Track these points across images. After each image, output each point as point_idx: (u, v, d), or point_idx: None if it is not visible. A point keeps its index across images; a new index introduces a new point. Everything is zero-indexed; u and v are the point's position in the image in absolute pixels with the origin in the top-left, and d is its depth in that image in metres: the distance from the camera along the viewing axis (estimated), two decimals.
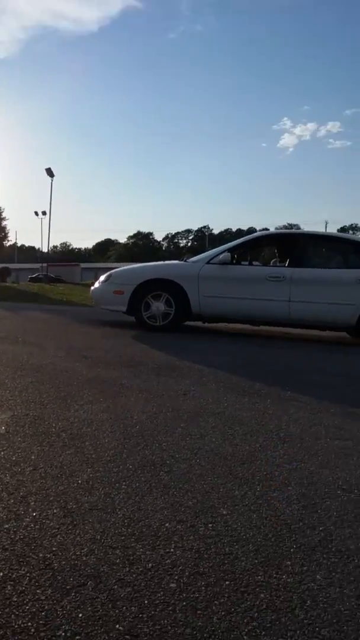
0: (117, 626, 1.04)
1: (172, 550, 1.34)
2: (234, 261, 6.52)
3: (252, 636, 1.04)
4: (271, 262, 7.20)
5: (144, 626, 1.05)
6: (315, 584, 1.23)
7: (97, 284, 6.96)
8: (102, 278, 6.90)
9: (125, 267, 7.30)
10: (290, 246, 6.60)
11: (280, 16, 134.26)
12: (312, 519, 1.56)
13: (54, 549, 1.30)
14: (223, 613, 1.10)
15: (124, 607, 1.10)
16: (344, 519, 1.58)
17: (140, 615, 1.08)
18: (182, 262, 6.94)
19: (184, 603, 1.13)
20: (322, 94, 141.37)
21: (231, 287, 6.23)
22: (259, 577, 1.25)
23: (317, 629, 1.07)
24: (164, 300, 6.27)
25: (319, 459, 2.10)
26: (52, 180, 32.59)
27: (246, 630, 1.05)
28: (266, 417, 2.68)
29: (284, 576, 1.26)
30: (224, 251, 6.46)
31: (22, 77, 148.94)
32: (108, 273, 6.90)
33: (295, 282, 6.05)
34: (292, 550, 1.38)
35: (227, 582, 1.21)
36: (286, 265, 6.40)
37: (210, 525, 1.49)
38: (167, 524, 1.47)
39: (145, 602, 1.12)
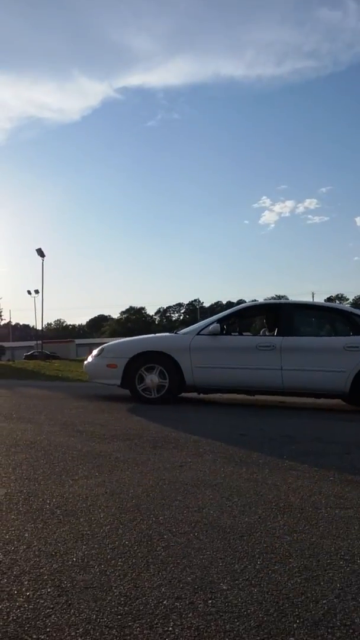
0: None
1: (170, 628, 1.28)
2: (224, 332, 6.59)
3: None
4: (260, 332, 7.28)
5: None
6: None
7: (90, 359, 6.95)
8: (95, 352, 6.91)
9: (118, 341, 7.35)
10: (278, 315, 6.71)
11: (251, 103, 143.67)
12: (315, 592, 1.50)
13: (48, 629, 1.24)
14: None
15: None
16: (348, 591, 1.52)
17: None
18: (173, 334, 7.01)
19: None
20: (297, 173, 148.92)
21: (222, 357, 6.27)
22: None
23: None
24: (158, 373, 6.27)
25: (320, 529, 2.04)
26: (43, 260, 33.37)
27: None
28: (265, 487, 2.62)
29: None
30: (213, 322, 6.54)
31: (8, 164, 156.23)
32: (101, 347, 6.92)
33: (285, 350, 6.10)
34: (295, 625, 1.32)
35: None
36: (275, 334, 6.48)
37: (210, 601, 1.43)
38: (165, 601, 1.41)
39: None
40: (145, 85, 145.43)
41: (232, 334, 6.84)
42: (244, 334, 7.34)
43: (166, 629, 1.27)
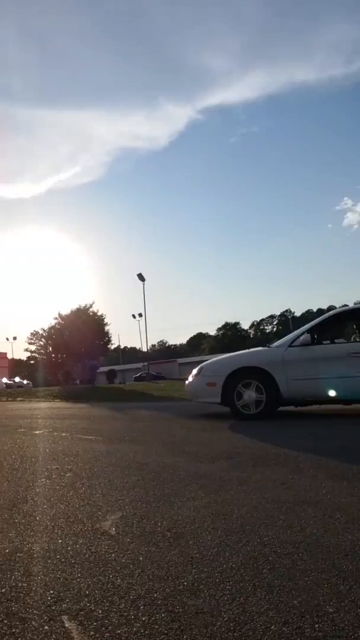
0: None
1: None
2: (315, 341, 6.35)
3: None
4: (352, 338, 6.95)
5: None
6: None
7: (190, 378, 7.01)
8: (194, 372, 6.96)
9: (215, 359, 7.35)
10: None
11: (324, 105, 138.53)
12: None
13: None
14: None
15: None
16: None
17: None
18: (265, 348, 6.88)
19: None
20: None
21: (316, 368, 6.04)
22: None
23: None
24: (255, 388, 6.18)
25: None
26: (144, 284, 34.56)
27: None
28: None
29: None
30: (303, 333, 6.34)
31: (109, 195, 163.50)
32: (199, 366, 6.96)
33: None
34: None
35: None
36: None
37: (317, 625, 1.37)
38: (272, 627, 1.38)
39: None
40: (224, 102, 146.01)
41: (324, 342, 6.58)
42: (336, 341, 7.03)
43: None
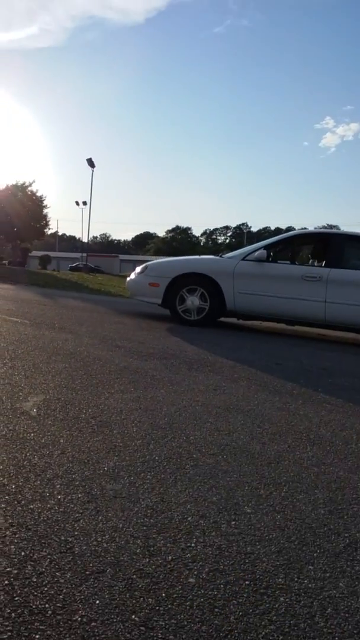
0: (134, 616, 1.03)
1: (193, 545, 1.32)
2: (270, 259, 6.44)
3: None
4: (309, 262, 7.09)
5: (160, 619, 1.03)
6: (337, 591, 1.19)
7: (133, 275, 7.00)
8: (138, 269, 6.94)
9: (162, 260, 7.32)
10: (328, 246, 6.47)
11: (326, 13, 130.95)
12: (338, 525, 1.51)
13: (76, 533, 1.30)
14: (240, 613, 1.07)
15: (141, 598, 1.08)
16: None
17: (157, 608, 1.06)
18: (218, 257, 6.92)
19: (202, 599, 1.11)
20: None
21: (266, 285, 6.17)
22: (280, 579, 1.21)
23: (336, 638, 1.03)
24: (199, 295, 6.26)
25: (348, 463, 2.04)
26: (93, 171, 33.12)
27: (263, 633, 1.02)
28: (296, 417, 2.63)
29: (305, 581, 1.22)
30: (260, 248, 6.39)
31: (68, 66, 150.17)
32: (144, 265, 6.93)
33: (332, 282, 5.93)
34: (315, 555, 1.34)
35: (246, 582, 1.18)
36: (323, 265, 6.30)
37: (233, 522, 1.46)
38: (189, 518, 1.45)
39: (163, 594, 1.11)
40: None
41: (279, 261, 6.67)
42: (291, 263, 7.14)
43: (189, 544, 1.31)
